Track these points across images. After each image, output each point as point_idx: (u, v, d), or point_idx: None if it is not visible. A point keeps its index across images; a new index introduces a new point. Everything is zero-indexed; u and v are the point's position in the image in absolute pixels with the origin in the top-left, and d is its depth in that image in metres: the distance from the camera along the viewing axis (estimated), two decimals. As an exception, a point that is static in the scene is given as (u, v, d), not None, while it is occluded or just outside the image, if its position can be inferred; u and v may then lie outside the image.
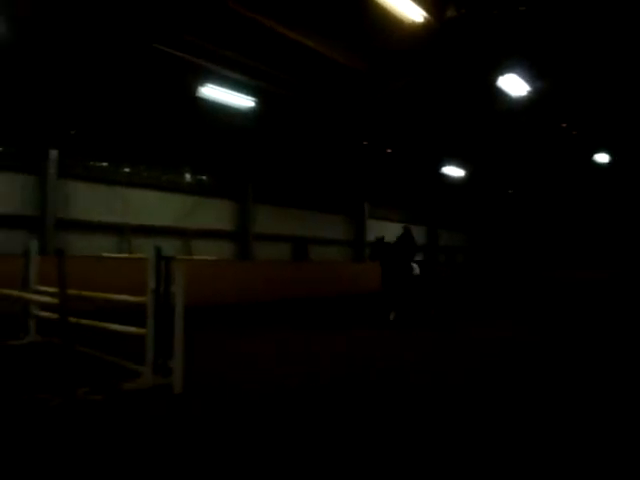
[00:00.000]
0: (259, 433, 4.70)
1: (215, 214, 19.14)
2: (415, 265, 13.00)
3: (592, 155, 25.78)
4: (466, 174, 28.07)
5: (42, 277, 8.89)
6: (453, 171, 27.29)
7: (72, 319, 6.94)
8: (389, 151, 24.90)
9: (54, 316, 7.80)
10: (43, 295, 7.79)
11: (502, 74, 14.79)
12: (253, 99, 15.95)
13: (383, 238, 12.97)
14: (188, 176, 18.61)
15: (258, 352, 8.71)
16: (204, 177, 19.05)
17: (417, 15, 10.86)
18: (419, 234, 31.38)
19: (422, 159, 26.36)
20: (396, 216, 29.13)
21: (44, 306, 8.30)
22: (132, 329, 6.38)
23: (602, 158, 26.15)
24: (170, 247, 14.89)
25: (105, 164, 16.18)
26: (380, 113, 19.48)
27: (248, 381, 6.60)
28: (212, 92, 15.15)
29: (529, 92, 15.87)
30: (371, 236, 26.39)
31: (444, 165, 26.50)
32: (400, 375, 7.03)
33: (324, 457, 4.16)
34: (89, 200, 15.58)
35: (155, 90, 16.28)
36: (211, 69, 14.53)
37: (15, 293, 8.42)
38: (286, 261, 21.66)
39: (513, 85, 15.37)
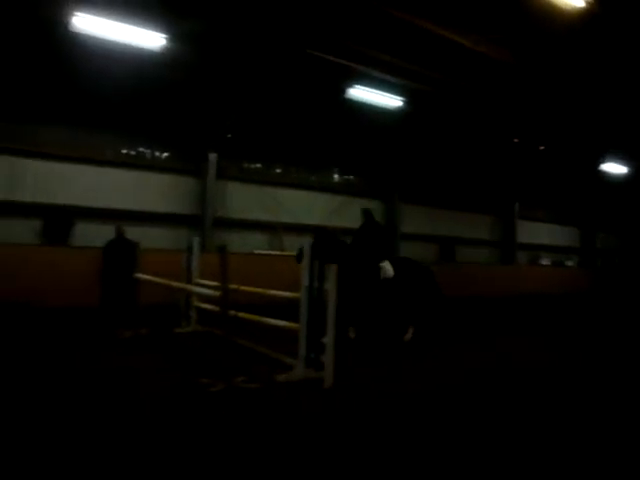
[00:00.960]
0: (403, 430, 4.69)
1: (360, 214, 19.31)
2: (386, 265, 9.11)
3: None
4: (630, 171, 25.70)
5: (202, 271, 9.55)
6: (614, 168, 25.08)
7: (231, 312, 7.42)
8: (542, 148, 23.58)
9: (213, 308, 8.41)
10: (205, 288, 8.38)
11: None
12: (401, 99, 15.90)
13: (325, 229, 10.53)
14: (336, 176, 19.00)
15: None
16: (352, 177, 19.34)
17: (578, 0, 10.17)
18: (573, 237, 29.40)
19: (579, 156, 24.60)
20: (548, 217, 27.57)
21: (204, 298, 8.95)
22: (287, 323, 6.62)
23: None
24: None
25: (258, 165, 17.02)
26: (532, 108, 18.50)
27: (394, 380, 6.62)
28: (361, 93, 15.33)
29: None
30: (521, 237, 25.36)
31: (604, 162, 24.48)
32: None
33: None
34: (244, 199, 16.48)
35: (306, 93, 16.88)
36: (360, 70, 14.72)
37: (181, 285, 9.15)
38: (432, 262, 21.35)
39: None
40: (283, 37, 13.15)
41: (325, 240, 8.62)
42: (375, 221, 9.99)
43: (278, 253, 15.99)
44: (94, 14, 10.86)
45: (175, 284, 8.86)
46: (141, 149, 14.84)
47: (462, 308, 15.51)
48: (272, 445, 4.28)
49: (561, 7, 10.48)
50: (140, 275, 9.52)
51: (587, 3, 10.27)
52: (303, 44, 13.34)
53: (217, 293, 7.04)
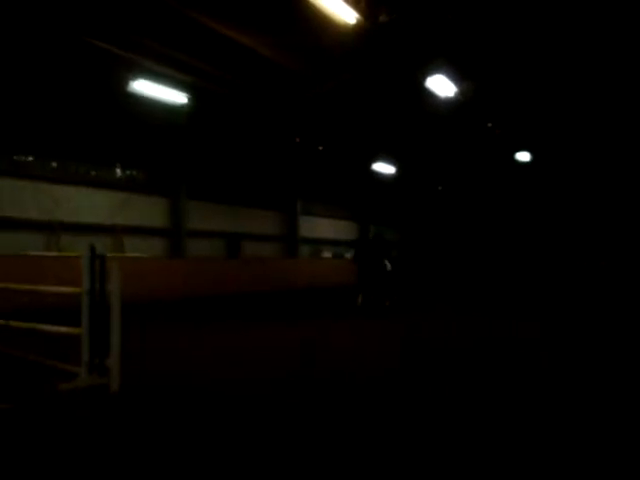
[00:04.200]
0: (192, 431, 4.79)
1: (147, 211, 18.82)
2: (387, 263, 14.66)
3: (514, 153, 27.00)
4: (397, 171, 28.77)
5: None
6: (384, 168, 27.88)
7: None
8: (321, 148, 25.23)
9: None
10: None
11: (431, 75, 15.31)
12: (186, 95, 15.82)
13: (379, 233, 16.00)
14: (119, 172, 18.18)
15: (193, 347, 8.76)
16: (136, 173, 18.68)
17: (350, 17, 11.13)
18: (351, 230, 31.99)
19: (353, 156, 26.87)
20: (328, 212, 29.55)
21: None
22: (66, 329, 6.28)
23: (523, 157, 27.46)
24: (101, 245, 14.56)
25: (31, 158, 15.61)
26: (312, 111, 19.74)
27: (183, 377, 6.66)
28: (144, 87, 14.91)
29: (456, 93, 16.53)
30: (304, 232, 26.84)
31: (375, 162, 27.06)
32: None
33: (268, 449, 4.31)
34: (15, 196, 15.02)
35: (85, 83, 15.94)
36: (144, 64, 14.33)
37: None
38: (218, 257, 21.61)
39: (441, 86, 15.95)
40: (58, 21, 12.23)
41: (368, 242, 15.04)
42: (383, 238, 15.35)
43: (55, 254, 14.89)
44: None
45: None
46: None
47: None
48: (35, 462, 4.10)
49: (335, 22, 11.34)
50: None
51: (357, 21, 11.26)
52: (80, 31, 12.56)
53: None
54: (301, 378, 6.66)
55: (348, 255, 30.89)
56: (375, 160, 26.90)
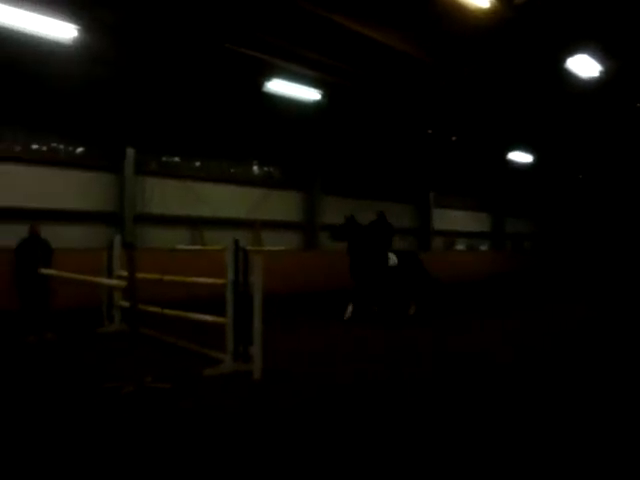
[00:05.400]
0: (334, 419, 4.89)
1: (283, 205, 19.50)
2: (392, 255, 11.48)
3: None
4: (534, 160, 27.34)
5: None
6: (520, 157, 26.61)
7: (151, 308, 7.40)
8: (454, 139, 24.60)
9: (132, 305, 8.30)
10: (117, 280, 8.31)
11: (572, 55, 14.33)
12: (319, 91, 16.13)
13: (353, 217, 11.57)
14: (256, 169, 19.00)
15: (331, 341, 8.93)
16: (272, 169, 19.42)
17: (484, 1, 10.73)
18: (485, 222, 30.85)
19: (488, 146, 25.90)
20: (461, 204, 28.76)
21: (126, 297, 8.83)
22: (214, 318, 6.69)
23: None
24: (241, 239, 15.30)
25: (178, 160, 16.78)
26: (445, 101, 19.29)
27: (322, 368, 6.83)
28: (279, 86, 15.42)
29: (601, 72, 15.33)
30: (437, 224, 26.36)
31: (511, 151, 25.89)
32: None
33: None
34: (164, 195, 16.23)
35: (224, 86, 16.84)
36: (278, 64, 14.82)
37: (90, 279, 8.85)
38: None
39: (584, 66, 14.88)
40: (202, 31, 13.04)
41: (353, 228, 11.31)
42: (387, 221, 12.16)
43: (200, 248, 15.87)
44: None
45: (82, 277, 8.59)
46: (54, 145, 14.27)
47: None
48: (199, 441, 4.37)
49: (468, 7, 11.00)
50: (50, 271, 9.22)
51: (491, 4, 10.82)
52: (222, 38, 13.29)
53: (123, 283, 6.98)
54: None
55: (483, 247, 30.01)
56: (511, 149, 25.75)
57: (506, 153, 25.98)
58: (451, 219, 27.88)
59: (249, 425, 4.70)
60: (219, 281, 6.61)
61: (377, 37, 13.51)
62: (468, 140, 24.77)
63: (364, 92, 17.93)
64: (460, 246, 28.34)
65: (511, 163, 27.61)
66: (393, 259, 11.29)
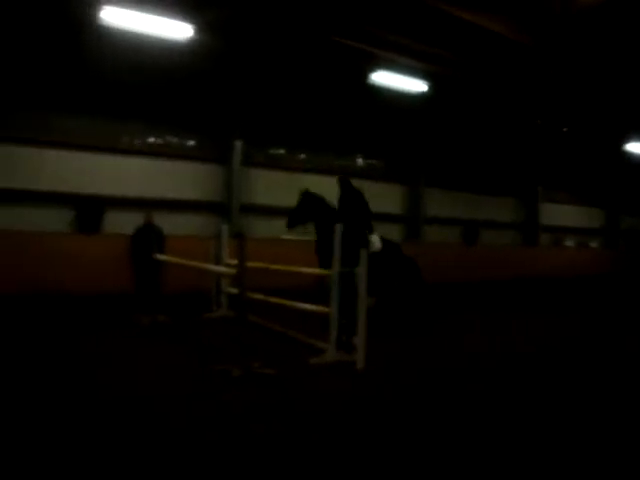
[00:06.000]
0: (444, 415, 4.85)
1: (385, 198, 19.44)
2: (376, 237, 8.88)
3: None
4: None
5: (231, 256, 9.72)
6: (639, 149, 24.76)
7: (255, 295, 7.64)
8: (565, 130, 23.35)
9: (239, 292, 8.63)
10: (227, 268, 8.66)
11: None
12: (424, 82, 15.85)
13: (309, 192, 9.18)
14: (360, 161, 19.09)
15: (431, 333, 8.85)
16: (375, 162, 19.42)
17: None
18: (597, 218, 29.11)
19: (602, 137, 24.31)
20: (571, 199, 27.32)
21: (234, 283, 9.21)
22: (318, 307, 6.80)
23: None
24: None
25: (283, 151, 17.18)
26: (554, 89, 18.31)
27: (424, 361, 6.78)
28: (383, 78, 15.31)
29: None
30: (544, 219, 25.21)
31: (628, 142, 24.12)
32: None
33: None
34: (269, 186, 16.68)
35: (329, 79, 16.97)
36: (382, 55, 14.72)
37: (200, 265, 9.26)
38: (456, 244, 21.47)
39: None
40: (308, 24, 13.19)
41: (314, 205, 8.87)
42: (355, 190, 9.18)
43: (303, 238, 16.15)
44: (122, 7, 11.01)
45: (194, 263, 9.02)
46: (168, 138, 15.06)
47: (477, 291, 15.64)
48: (307, 430, 4.47)
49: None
50: (164, 257, 9.76)
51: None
52: (328, 31, 13.38)
53: (232, 271, 7.22)
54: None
55: (593, 245, 28.33)
56: (628, 140, 24.00)
57: (623, 144, 24.29)
58: (560, 214, 26.57)
59: (355, 413, 4.77)
60: (325, 271, 6.72)
61: (485, 24, 13.05)
62: (581, 131, 23.41)
63: (470, 82, 17.42)
64: (569, 242, 26.99)
65: (628, 155, 25.78)
66: (376, 243, 8.71)
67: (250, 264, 6.85)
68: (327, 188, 17.42)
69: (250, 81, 15.92)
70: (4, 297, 10.37)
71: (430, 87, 16.16)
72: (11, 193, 12.80)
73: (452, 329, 9.50)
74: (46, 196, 13.25)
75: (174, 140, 15.17)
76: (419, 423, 4.57)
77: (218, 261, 9.92)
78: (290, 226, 8.88)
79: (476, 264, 19.62)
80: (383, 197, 19.32)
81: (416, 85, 15.85)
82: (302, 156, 17.61)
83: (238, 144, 15.71)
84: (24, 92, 13.03)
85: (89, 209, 13.66)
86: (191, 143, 15.46)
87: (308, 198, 8.99)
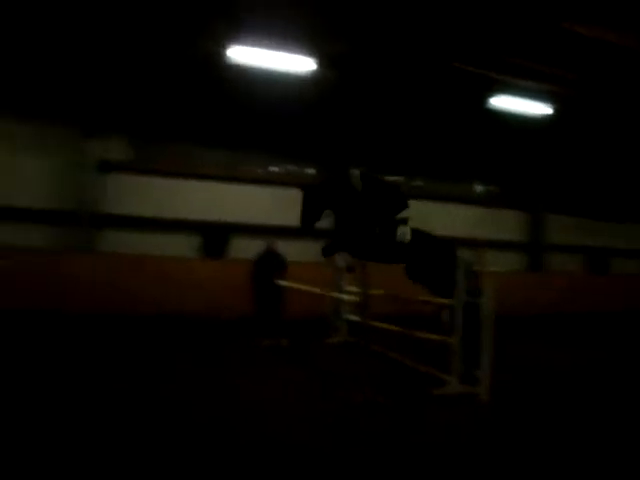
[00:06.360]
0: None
1: (503, 225, 18.87)
2: (405, 229, 7.31)
3: None
4: None
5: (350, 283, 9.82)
6: None
7: (375, 323, 7.67)
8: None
9: (360, 319, 8.72)
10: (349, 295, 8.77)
11: None
12: (547, 105, 15.30)
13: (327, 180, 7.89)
14: (476, 188, 18.73)
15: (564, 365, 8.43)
16: (493, 188, 18.97)
17: None
18: None
19: None
20: None
21: (353, 309, 9.35)
22: (438, 337, 6.72)
23: None
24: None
25: (399, 178, 17.21)
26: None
27: (552, 395, 6.49)
28: (503, 102, 14.98)
29: None
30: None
31: None
32: None
33: None
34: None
35: (447, 105, 16.80)
36: (503, 79, 14.41)
37: (323, 291, 9.45)
38: (582, 273, 20.35)
39: None
40: (430, 52, 13.21)
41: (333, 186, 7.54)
42: (383, 181, 8.04)
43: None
44: (248, 45, 11.69)
45: (316, 290, 9.20)
46: (289, 167, 15.64)
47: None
48: (434, 462, 4.43)
49: None
50: (285, 283, 10.08)
51: None
52: (450, 58, 13.33)
53: (356, 298, 7.27)
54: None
55: None
56: None
57: None
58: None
59: (483, 445, 4.68)
60: (446, 300, 6.63)
61: (613, 39, 12.39)
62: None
63: (597, 101, 16.56)
64: None
65: None
66: (405, 234, 7.25)
67: (374, 291, 6.94)
68: (444, 215, 17.40)
69: (368, 110, 16.16)
70: (138, 318, 11.19)
71: (553, 109, 15.60)
72: (142, 220, 13.87)
73: (579, 361, 8.97)
74: (175, 224, 14.21)
75: (295, 169, 15.71)
76: (552, 458, 4.38)
77: (337, 288, 10.07)
78: (304, 229, 7.27)
79: (606, 294, 18.43)
80: (501, 224, 18.80)
81: (537, 108, 15.35)
82: (418, 183, 17.54)
83: (355, 172, 15.89)
84: (159, 127, 14.17)
85: (215, 235, 14.47)
86: (310, 172, 15.92)
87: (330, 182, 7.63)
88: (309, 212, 7.26)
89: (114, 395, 5.78)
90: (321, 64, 12.66)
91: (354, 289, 8.83)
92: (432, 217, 17.27)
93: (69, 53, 12.99)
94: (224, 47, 11.94)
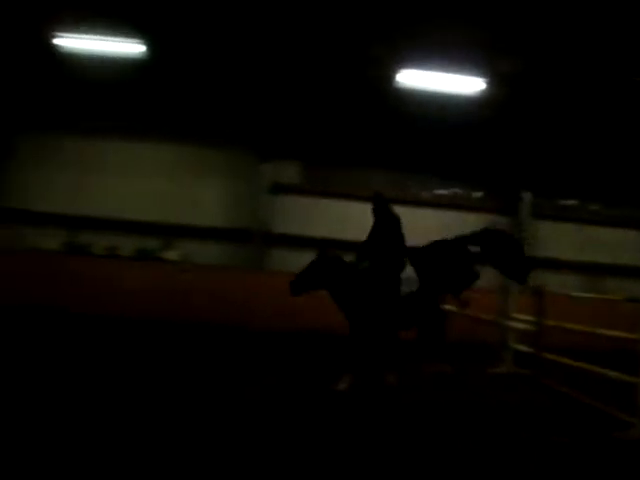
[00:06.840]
0: None
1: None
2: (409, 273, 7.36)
3: None
4: None
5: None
6: None
7: (547, 355, 7.16)
8: None
9: (530, 350, 8.20)
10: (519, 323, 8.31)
11: None
12: None
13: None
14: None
15: None
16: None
17: None
18: None
19: None
20: None
21: (520, 339, 8.85)
22: (619, 375, 6.13)
23: None
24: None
25: (573, 202, 16.14)
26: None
27: None
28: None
29: None
30: None
31: None
32: None
33: None
34: (556, 238, 15.77)
35: (630, 123, 15.38)
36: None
37: (497, 319, 9.04)
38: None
39: None
40: (612, 67, 12.26)
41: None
42: (392, 216, 7.74)
43: (599, 296, 14.69)
44: (417, 69, 11.77)
45: (485, 317, 8.83)
46: (454, 189, 15.36)
47: None
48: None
49: None
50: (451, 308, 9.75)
51: None
52: (632, 72, 12.30)
53: (530, 327, 6.84)
54: None
55: None
56: None
57: None
58: None
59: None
60: (630, 335, 6.03)
61: None
62: None
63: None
64: None
65: None
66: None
67: (547, 322, 6.53)
68: (619, 241, 15.75)
69: (538, 130, 15.35)
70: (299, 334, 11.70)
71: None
72: (307, 240, 14.12)
73: None
74: (342, 244, 14.51)
75: (461, 192, 15.39)
76: None
77: (503, 314, 9.60)
78: (295, 292, 7.12)
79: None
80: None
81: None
82: (593, 207, 16.34)
83: (527, 196, 15.24)
84: (328, 150, 14.73)
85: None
86: (477, 195, 15.48)
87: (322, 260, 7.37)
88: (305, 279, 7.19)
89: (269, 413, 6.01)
90: (491, 83, 12.35)
91: (523, 317, 8.37)
92: (606, 244, 15.82)
93: (249, 85, 14.04)
94: (394, 72, 12.14)
